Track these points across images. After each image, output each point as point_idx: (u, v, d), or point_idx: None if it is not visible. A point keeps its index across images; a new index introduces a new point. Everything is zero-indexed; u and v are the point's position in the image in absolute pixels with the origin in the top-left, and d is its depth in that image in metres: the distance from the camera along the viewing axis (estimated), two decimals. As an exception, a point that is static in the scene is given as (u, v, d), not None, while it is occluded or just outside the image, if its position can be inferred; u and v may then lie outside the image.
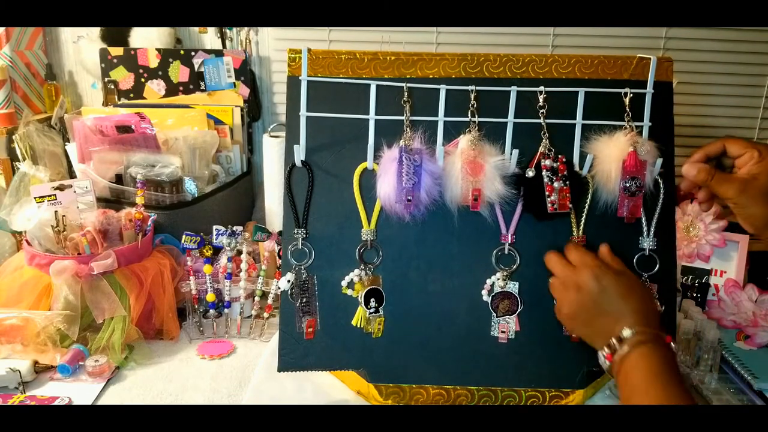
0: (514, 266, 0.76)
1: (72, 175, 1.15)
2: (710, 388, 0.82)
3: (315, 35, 1.30)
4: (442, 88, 0.75)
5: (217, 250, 0.97)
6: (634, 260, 0.76)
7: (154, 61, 1.25)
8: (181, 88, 1.27)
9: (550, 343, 0.76)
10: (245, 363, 0.87)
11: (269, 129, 1.17)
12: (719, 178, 0.69)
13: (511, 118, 0.75)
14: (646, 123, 0.76)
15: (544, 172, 0.73)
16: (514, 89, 0.75)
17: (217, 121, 1.22)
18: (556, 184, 0.73)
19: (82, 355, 0.84)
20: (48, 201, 0.92)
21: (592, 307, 0.66)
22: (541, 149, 0.74)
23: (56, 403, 0.76)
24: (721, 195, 0.69)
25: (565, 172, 0.74)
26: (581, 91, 0.75)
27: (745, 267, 1.00)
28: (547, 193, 0.73)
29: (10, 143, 1.12)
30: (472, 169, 0.71)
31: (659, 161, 0.75)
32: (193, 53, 1.25)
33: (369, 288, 0.74)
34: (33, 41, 1.28)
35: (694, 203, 1.03)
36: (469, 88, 0.75)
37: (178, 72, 1.26)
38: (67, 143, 1.14)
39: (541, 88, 0.75)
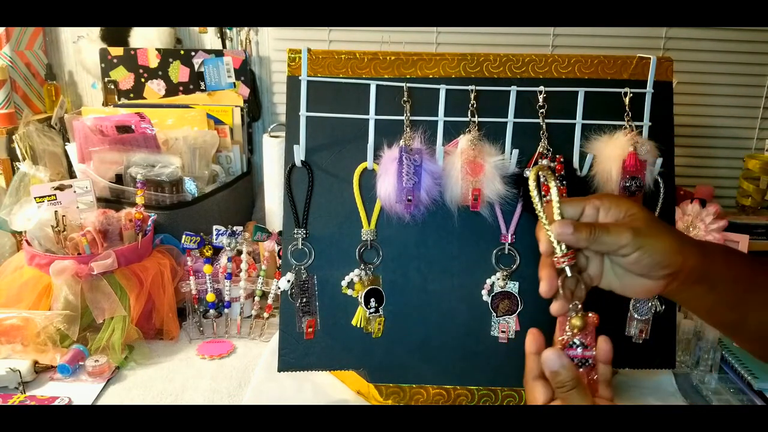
0: (514, 266, 0.76)
1: (72, 175, 1.15)
2: (710, 388, 0.82)
3: (315, 35, 1.30)
4: (442, 88, 0.75)
5: (217, 250, 0.97)
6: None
7: (154, 61, 1.25)
8: (181, 88, 1.27)
9: (550, 343, 0.76)
10: (245, 363, 0.87)
11: (269, 129, 1.17)
12: (602, 228, 0.51)
13: (510, 118, 0.75)
14: (646, 123, 0.76)
15: (540, 172, 0.73)
16: (513, 89, 0.75)
17: (217, 121, 1.22)
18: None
19: (82, 355, 0.84)
20: (48, 201, 0.92)
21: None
22: (539, 149, 0.74)
23: (56, 403, 0.76)
24: (612, 244, 0.50)
25: (562, 172, 0.73)
26: (581, 91, 0.75)
27: (745, 267, 1.00)
28: (542, 192, 0.73)
29: (10, 143, 1.12)
30: (472, 169, 0.71)
31: (659, 161, 0.75)
32: (193, 53, 1.25)
33: (369, 288, 0.74)
34: (33, 41, 1.28)
35: (695, 203, 1.03)
36: (469, 88, 0.75)
37: (178, 72, 1.26)
38: (67, 143, 1.15)
39: (541, 87, 0.75)
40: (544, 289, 0.51)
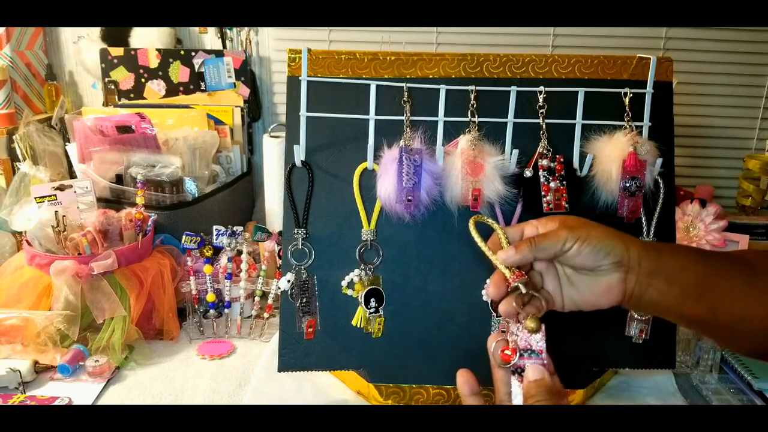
0: (514, 266, 0.75)
1: (72, 175, 1.15)
2: (710, 388, 0.82)
3: (315, 35, 1.30)
4: (442, 88, 0.75)
5: (217, 250, 0.97)
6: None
7: (154, 62, 1.25)
8: (181, 89, 1.27)
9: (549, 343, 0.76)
10: (245, 363, 0.87)
11: (269, 129, 1.17)
12: (540, 237, 0.56)
13: (510, 118, 0.75)
14: (646, 123, 0.76)
15: (540, 172, 0.73)
16: (513, 89, 0.75)
17: (217, 121, 1.22)
18: (552, 184, 0.73)
19: (82, 355, 0.84)
20: (48, 201, 0.92)
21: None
22: (539, 149, 0.74)
23: (56, 403, 0.76)
24: (554, 245, 0.55)
25: (562, 172, 0.74)
26: (581, 91, 0.75)
27: (745, 267, 1.00)
28: (543, 193, 0.73)
29: (10, 143, 1.12)
30: (472, 169, 0.71)
31: (659, 161, 0.75)
32: (193, 53, 1.25)
33: (369, 288, 0.74)
34: (33, 41, 1.28)
35: (695, 203, 1.03)
36: (469, 88, 0.75)
37: (179, 72, 1.26)
38: (67, 143, 1.15)
39: (541, 88, 0.75)
40: (492, 291, 0.57)
